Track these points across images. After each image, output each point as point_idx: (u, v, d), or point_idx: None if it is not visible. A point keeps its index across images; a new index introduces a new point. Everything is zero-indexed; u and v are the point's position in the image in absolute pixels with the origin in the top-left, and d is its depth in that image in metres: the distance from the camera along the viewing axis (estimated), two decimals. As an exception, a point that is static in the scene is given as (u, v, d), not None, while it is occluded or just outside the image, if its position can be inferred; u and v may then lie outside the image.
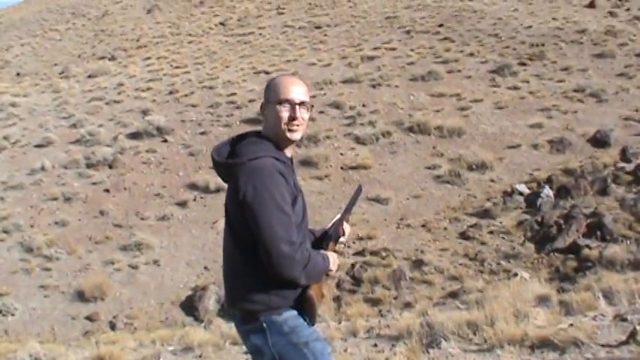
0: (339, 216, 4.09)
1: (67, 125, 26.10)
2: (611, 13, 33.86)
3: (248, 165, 3.40)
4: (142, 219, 18.95)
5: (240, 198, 3.35)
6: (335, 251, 3.91)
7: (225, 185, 3.52)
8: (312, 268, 3.46)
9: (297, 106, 3.57)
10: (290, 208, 3.42)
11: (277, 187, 3.36)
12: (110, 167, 21.85)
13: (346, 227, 4.04)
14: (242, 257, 3.46)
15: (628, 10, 34.54)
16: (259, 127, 3.69)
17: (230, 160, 3.51)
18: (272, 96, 3.60)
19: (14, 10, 71.69)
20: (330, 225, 4.03)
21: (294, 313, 3.51)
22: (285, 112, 3.56)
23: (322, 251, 3.70)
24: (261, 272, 3.41)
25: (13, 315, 15.20)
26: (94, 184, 20.99)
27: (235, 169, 3.44)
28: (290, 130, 3.58)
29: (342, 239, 4.01)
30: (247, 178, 3.35)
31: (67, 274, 16.71)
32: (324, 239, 3.92)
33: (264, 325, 3.45)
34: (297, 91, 3.61)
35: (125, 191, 20.48)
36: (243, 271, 3.47)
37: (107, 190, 20.54)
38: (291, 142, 3.64)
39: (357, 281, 14.40)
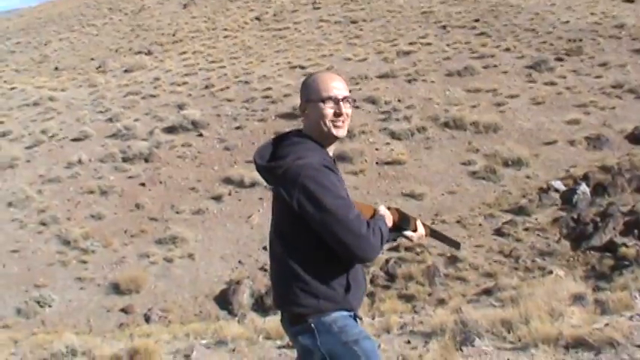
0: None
1: (104, 119, 26.33)
2: (651, 7, 33.41)
3: (294, 166, 3.35)
4: (177, 213, 19.06)
5: (295, 204, 3.31)
6: (393, 227, 3.81)
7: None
8: (384, 236, 3.48)
9: (340, 102, 3.55)
10: (345, 192, 3.42)
11: (328, 178, 3.35)
12: (146, 161, 22.00)
13: (421, 228, 3.94)
14: (292, 262, 3.44)
15: (668, 4, 34.07)
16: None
17: (273, 163, 3.46)
18: (313, 94, 3.58)
19: (53, 5, 72.46)
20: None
21: (343, 313, 3.49)
22: (329, 110, 3.54)
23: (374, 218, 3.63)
24: (311, 276, 3.41)
25: (50, 306, 15.40)
26: (129, 177, 21.16)
27: (279, 172, 3.39)
28: (335, 127, 3.56)
29: (409, 233, 3.89)
30: (296, 181, 3.31)
31: (102, 267, 16.89)
32: (394, 208, 3.88)
33: (313, 325, 3.44)
34: (338, 86, 3.59)
35: (160, 185, 20.62)
36: (293, 275, 3.44)
37: (143, 184, 20.69)
38: (336, 139, 3.63)
39: (391, 277, 14.39)
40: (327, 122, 3.55)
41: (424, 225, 3.96)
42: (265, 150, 3.59)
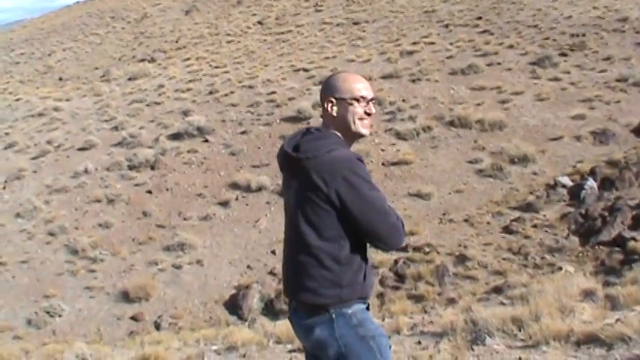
0: None
1: (109, 128, 26.41)
2: (654, 0, 33.34)
3: (327, 157, 3.41)
4: (185, 219, 19.08)
5: (334, 194, 3.37)
6: None
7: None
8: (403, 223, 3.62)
9: (370, 102, 3.66)
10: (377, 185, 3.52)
11: (364, 170, 3.44)
12: (152, 168, 22.04)
13: None
14: (318, 251, 3.47)
15: (671, -4, 34.00)
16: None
17: (308, 154, 3.48)
18: (346, 92, 3.63)
19: (56, 15, 72.74)
20: None
21: (362, 306, 3.56)
22: (360, 109, 3.62)
23: None
24: (338, 265, 3.46)
25: (60, 316, 15.42)
26: (136, 185, 21.20)
27: (309, 164, 3.43)
28: (363, 126, 3.66)
29: None
30: (335, 172, 3.37)
31: (111, 275, 16.91)
32: None
33: (334, 316, 3.48)
34: (367, 87, 3.69)
35: (167, 192, 20.64)
36: (318, 264, 3.47)
37: (149, 192, 20.72)
38: (361, 137, 3.74)
39: (400, 277, 14.36)
40: (357, 120, 3.63)
41: None
42: (293, 141, 3.62)
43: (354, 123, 3.61)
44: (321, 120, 3.75)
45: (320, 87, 3.79)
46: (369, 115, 3.66)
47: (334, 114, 3.62)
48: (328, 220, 3.43)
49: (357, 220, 3.40)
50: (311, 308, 3.53)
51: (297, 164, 3.50)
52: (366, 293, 3.58)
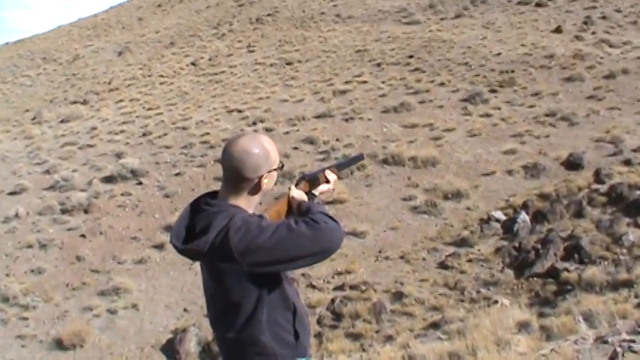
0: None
1: (41, 171, 25.97)
2: (578, 37, 34.24)
3: (221, 238, 3.22)
4: (120, 263, 18.79)
5: (246, 268, 3.20)
6: (311, 194, 3.90)
7: None
8: (324, 209, 3.47)
9: None
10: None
11: (254, 226, 3.23)
12: (85, 212, 21.70)
13: (330, 175, 3.99)
14: (248, 331, 3.32)
15: (594, 33, 34.96)
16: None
17: (195, 243, 3.28)
18: (275, 163, 3.47)
19: (-16, 58, 71.61)
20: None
21: None
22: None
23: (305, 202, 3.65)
24: (264, 338, 3.33)
25: (-10, 367, 15.01)
26: (69, 229, 20.82)
27: (206, 249, 3.25)
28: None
29: (324, 187, 3.96)
30: (232, 250, 3.18)
31: (44, 323, 16.49)
32: (299, 179, 3.92)
33: None
34: None
35: (101, 236, 20.34)
36: (250, 344, 3.34)
37: (83, 236, 20.38)
38: None
39: (337, 316, 14.33)
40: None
41: (329, 169, 4.04)
42: (181, 228, 3.43)
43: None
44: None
45: (238, 150, 3.42)
46: None
47: (258, 186, 3.46)
48: (248, 294, 3.32)
49: (289, 268, 3.34)
50: None
51: (195, 254, 3.38)
52: (303, 352, 3.47)
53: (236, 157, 3.36)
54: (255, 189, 3.45)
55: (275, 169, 3.47)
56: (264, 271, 3.25)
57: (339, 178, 4.15)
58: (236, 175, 3.39)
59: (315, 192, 3.94)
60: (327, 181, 3.97)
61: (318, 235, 3.22)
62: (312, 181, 3.91)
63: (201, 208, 3.41)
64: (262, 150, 3.41)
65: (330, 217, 3.35)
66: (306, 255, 3.24)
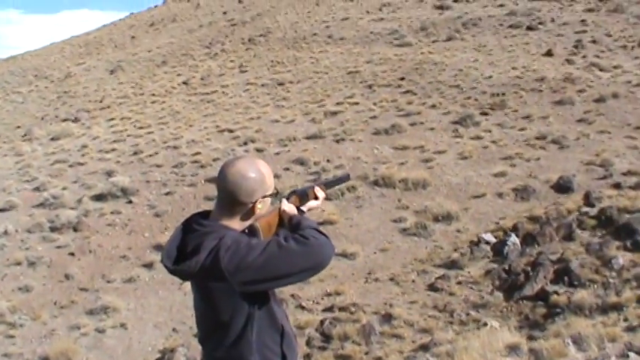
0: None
1: (31, 188, 25.86)
2: (569, 61, 34.48)
3: (211, 258, 3.26)
4: (108, 282, 18.71)
5: (237, 288, 3.23)
6: (300, 210, 3.91)
7: None
8: (315, 226, 3.52)
9: None
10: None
11: (244, 246, 3.27)
12: (75, 230, 21.62)
13: (319, 192, 4.01)
14: (237, 350, 3.36)
15: (584, 57, 35.22)
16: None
17: (187, 264, 3.31)
18: (270, 188, 3.52)
19: (-25, 74, 71.56)
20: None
21: None
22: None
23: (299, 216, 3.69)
24: (256, 349, 3.36)
25: (-24, 387, 14.89)
26: (58, 247, 20.72)
27: (197, 269, 3.29)
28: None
29: (313, 203, 4.01)
30: (222, 270, 3.21)
31: (31, 341, 16.38)
32: (289, 194, 3.95)
33: None
34: None
35: (90, 254, 20.25)
36: (238, 352, 3.37)
37: (72, 254, 20.29)
38: None
39: (326, 338, 14.28)
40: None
41: (319, 186, 4.07)
42: (172, 248, 3.45)
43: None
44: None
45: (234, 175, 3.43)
46: None
47: (252, 211, 3.50)
48: (238, 313, 3.37)
49: (281, 285, 3.38)
50: None
51: (185, 274, 3.43)
52: None
53: (231, 181, 3.39)
54: (249, 214, 3.48)
55: (269, 195, 3.50)
56: (255, 289, 3.28)
57: (326, 198, 4.22)
58: (230, 198, 3.42)
59: (304, 208, 3.96)
60: (316, 198, 3.99)
61: (308, 251, 3.25)
62: (302, 196, 3.96)
63: (192, 228, 3.43)
64: (258, 174, 3.44)
65: (320, 232, 3.38)
66: (297, 271, 3.28)
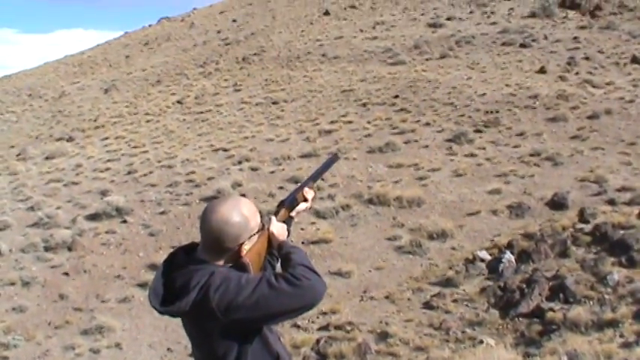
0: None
1: (25, 208, 25.82)
2: (562, 78, 34.60)
3: (201, 296, 3.26)
4: (103, 302, 18.65)
5: (227, 323, 3.22)
6: (291, 218, 3.92)
7: None
8: (304, 261, 3.50)
9: None
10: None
11: (233, 283, 3.24)
12: (69, 250, 21.57)
13: (308, 193, 4.03)
14: None
15: (577, 74, 35.37)
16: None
17: (176, 304, 3.30)
18: (253, 229, 3.50)
19: (-30, 94, 71.50)
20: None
21: None
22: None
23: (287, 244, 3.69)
24: None
25: (-31, 409, 14.81)
26: (52, 267, 20.66)
27: (187, 308, 3.28)
28: None
29: (302, 206, 4.01)
30: (213, 308, 3.20)
31: (25, 362, 16.35)
32: (278, 206, 3.93)
33: None
34: None
35: (85, 274, 20.19)
36: None
37: (66, 274, 20.23)
38: None
39: (322, 356, 14.23)
40: None
41: (307, 186, 4.12)
42: (158, 287, 3.41)
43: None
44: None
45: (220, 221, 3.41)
46: None
47: (241, 250, 3.48)
48: (231, 346, 3.36)
49: (271, 322, 3.43)
50: None
51: (177, 314, 3.44)
52: None
53: (215, 228, 3.37)
54: (235, 255, 3.46)
55: (256, 233, 3.50)
56: (248, 327, 3.29)
57: (314, 190, 4.21)
58: (215, 244, 3.40)
59: (293, 213, 3.96)
60: (305, 200, 3.99)
61: (299, 292, 3.26)
62: (290, 204, 3.94)
63: (178, 265, 3.40)
64: (241, 219, 3.42)
65: (311, 269, 3.39)
66: (289, 311, 3.30)
